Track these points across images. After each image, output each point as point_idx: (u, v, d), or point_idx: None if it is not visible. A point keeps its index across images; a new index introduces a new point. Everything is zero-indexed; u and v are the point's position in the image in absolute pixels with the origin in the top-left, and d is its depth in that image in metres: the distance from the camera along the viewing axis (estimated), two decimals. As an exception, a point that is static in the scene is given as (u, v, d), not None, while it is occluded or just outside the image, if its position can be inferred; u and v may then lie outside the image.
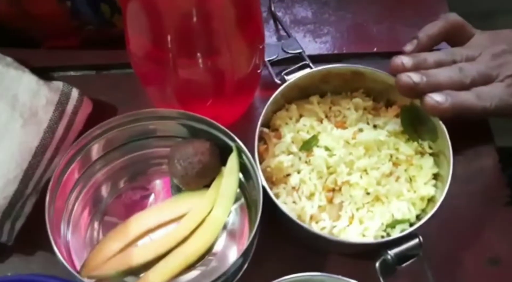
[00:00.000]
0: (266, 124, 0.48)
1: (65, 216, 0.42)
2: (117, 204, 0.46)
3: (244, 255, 0.40)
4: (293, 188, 0.45)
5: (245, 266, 0.41)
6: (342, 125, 0.48)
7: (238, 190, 0.46)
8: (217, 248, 0.45)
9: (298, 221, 0.40)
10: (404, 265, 0.40)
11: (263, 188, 0.41)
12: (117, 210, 0.45)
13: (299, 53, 0.51)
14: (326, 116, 0.49)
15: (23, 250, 0.45)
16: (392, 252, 0.40)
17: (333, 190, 0.45)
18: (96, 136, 0.43)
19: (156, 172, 0.48)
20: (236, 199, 0.46)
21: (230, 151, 0.45)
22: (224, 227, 0.45)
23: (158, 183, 0.48)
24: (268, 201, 0.41)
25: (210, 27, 0.38)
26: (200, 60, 0.40)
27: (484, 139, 0.52)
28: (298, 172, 0.46)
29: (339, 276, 0.39)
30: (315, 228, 0.43)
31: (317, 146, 0.46)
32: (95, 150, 0.44)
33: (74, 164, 0.42)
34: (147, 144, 0.47)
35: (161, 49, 0.39)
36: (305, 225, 0.41)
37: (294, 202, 0.45)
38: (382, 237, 0.43)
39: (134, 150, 0.47)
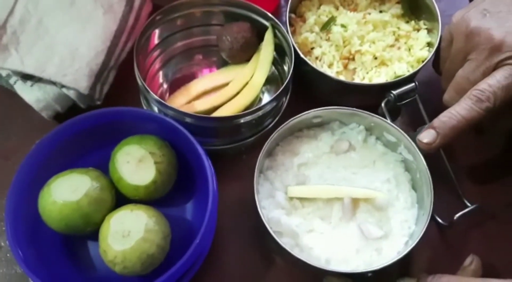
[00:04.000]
0: (293, 11, 0.60)
1: (143, 70, 0.55)
2: (183, 72, 0.59)
3: (278, 97, 0.51)
4: (316, 58, 0.57)
5: (285, 105, 0.55)
6: (354, 9, 0.59)
7: (273, 68, 0.58)
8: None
9: (320, 69, 0.53)
10: (403, 102, 0.53)
11: (294, 49, 0.53)
12: (182, 77, 0.59)
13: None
14: (341, 5, 0.60)
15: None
16: (394, 92, 0.52)
17: (348, 58, 0.57)
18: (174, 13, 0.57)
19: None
20: (271, 80, 0.58)
21: (265, 31, 0.57)
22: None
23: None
24: (296, 70, 0.53)
25: None
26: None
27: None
28: (320, 47, 0.58)
29: (359, 109, 0.51)
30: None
31: (335, 25, 0.58)
32: (178, 22, 0.58)
33: (158, 28, 0.56)
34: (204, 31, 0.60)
35: None
36: (327, 72, 0.54)
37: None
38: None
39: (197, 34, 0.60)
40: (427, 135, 0.47)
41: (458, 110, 0.46)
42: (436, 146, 0.47)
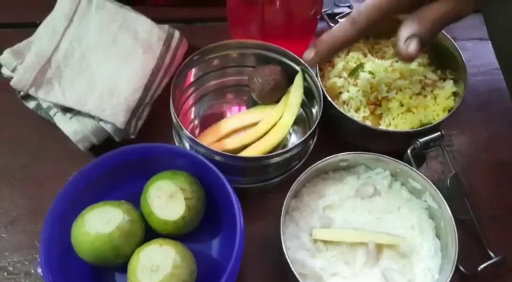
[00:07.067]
0: (323, 57, 0.62)
1: (177, 107, 0.57)
2: (214, 109, 0.61)
3: (306, 140, 0.53)
4: (344, 102, 0.59)
5: (311, 147, 0.56)
6: (382, 57, 0.61)
7: (301, 110, 0.60)
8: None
9: (347, 113, 0.54)
10: (429, 150, 0.54)
11: (322, 92, 0.55)
12: (213, 114, 0.61)
13: (348, 6, 0.65)
14: (369, 52, 0.62)
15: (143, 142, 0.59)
16: (420, 140, 0.53)
17: (375, 104, 0.59)
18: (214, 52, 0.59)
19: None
20: (299, 122, 0.60)
21: (295, 75, 0.59)
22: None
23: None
24: (323, 113, 0.55)
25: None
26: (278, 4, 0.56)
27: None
28: (348, 91, 0.60)
29: (385, 155, 0.52)
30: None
31: (363, 71, 0.60)
32: (213, 63, 0.60)
33: (195, 67, 0.58)
34: (237, 71, 0.62)
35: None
36: (354, 117, 0.55)
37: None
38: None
39: (230, 74, 0.62)
40: (308, 52, 0.51)
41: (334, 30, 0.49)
42: (316, 59, 0.51)
